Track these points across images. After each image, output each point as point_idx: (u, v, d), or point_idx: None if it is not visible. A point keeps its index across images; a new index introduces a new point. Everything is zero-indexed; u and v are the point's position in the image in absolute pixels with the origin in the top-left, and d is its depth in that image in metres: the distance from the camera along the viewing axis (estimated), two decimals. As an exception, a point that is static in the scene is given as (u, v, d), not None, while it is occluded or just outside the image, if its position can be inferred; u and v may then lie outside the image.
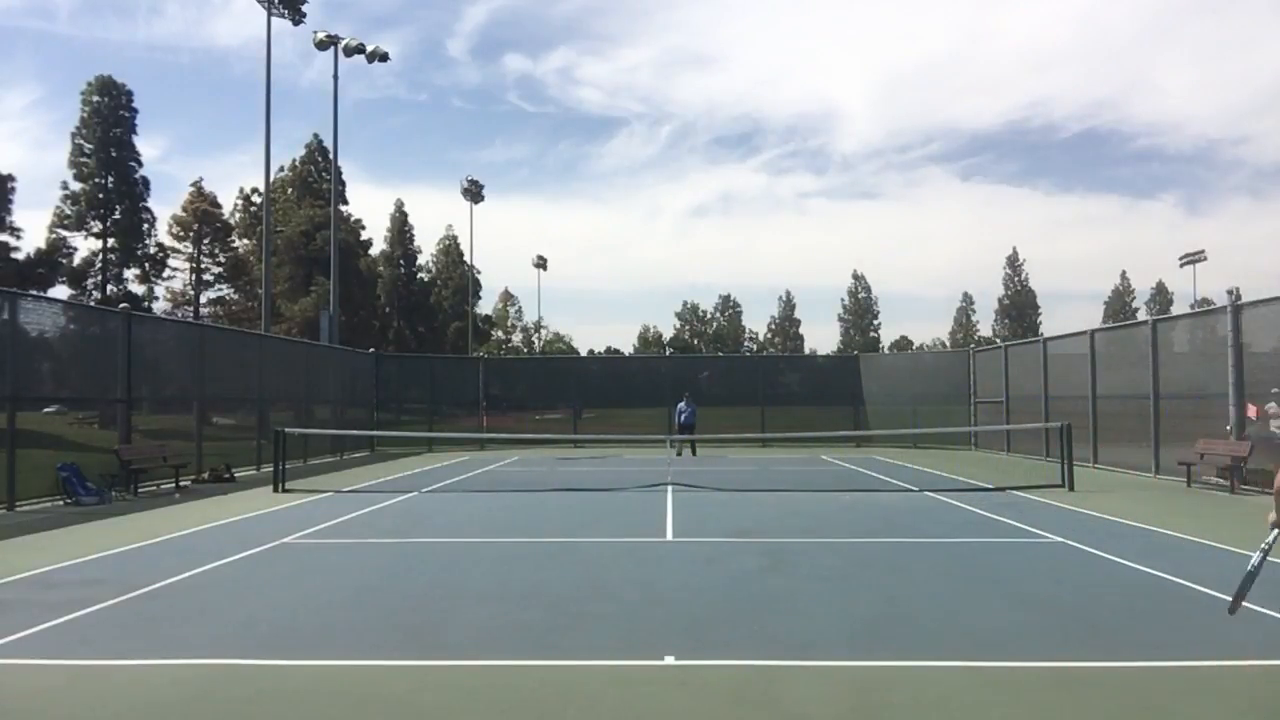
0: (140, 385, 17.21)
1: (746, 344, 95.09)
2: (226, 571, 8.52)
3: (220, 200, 53.26)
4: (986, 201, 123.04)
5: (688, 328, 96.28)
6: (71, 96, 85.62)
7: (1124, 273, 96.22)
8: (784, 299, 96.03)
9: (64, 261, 44.51)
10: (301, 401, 24.95)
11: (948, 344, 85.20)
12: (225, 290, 54.02)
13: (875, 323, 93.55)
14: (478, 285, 69.78)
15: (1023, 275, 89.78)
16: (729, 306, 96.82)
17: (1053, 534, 10.47)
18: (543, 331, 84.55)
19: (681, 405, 25.53)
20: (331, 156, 42.15)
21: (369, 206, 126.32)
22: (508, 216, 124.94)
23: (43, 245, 43.05)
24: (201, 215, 50.93)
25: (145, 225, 47.46)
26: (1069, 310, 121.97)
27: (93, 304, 38.50)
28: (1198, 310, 34.43)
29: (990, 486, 16.17)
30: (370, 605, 7.08)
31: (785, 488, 16.25)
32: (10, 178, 38.47)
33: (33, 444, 15.85)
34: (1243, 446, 14.97)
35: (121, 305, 19.63)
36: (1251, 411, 15.26)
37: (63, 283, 43.96)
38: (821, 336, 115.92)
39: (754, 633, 6.17)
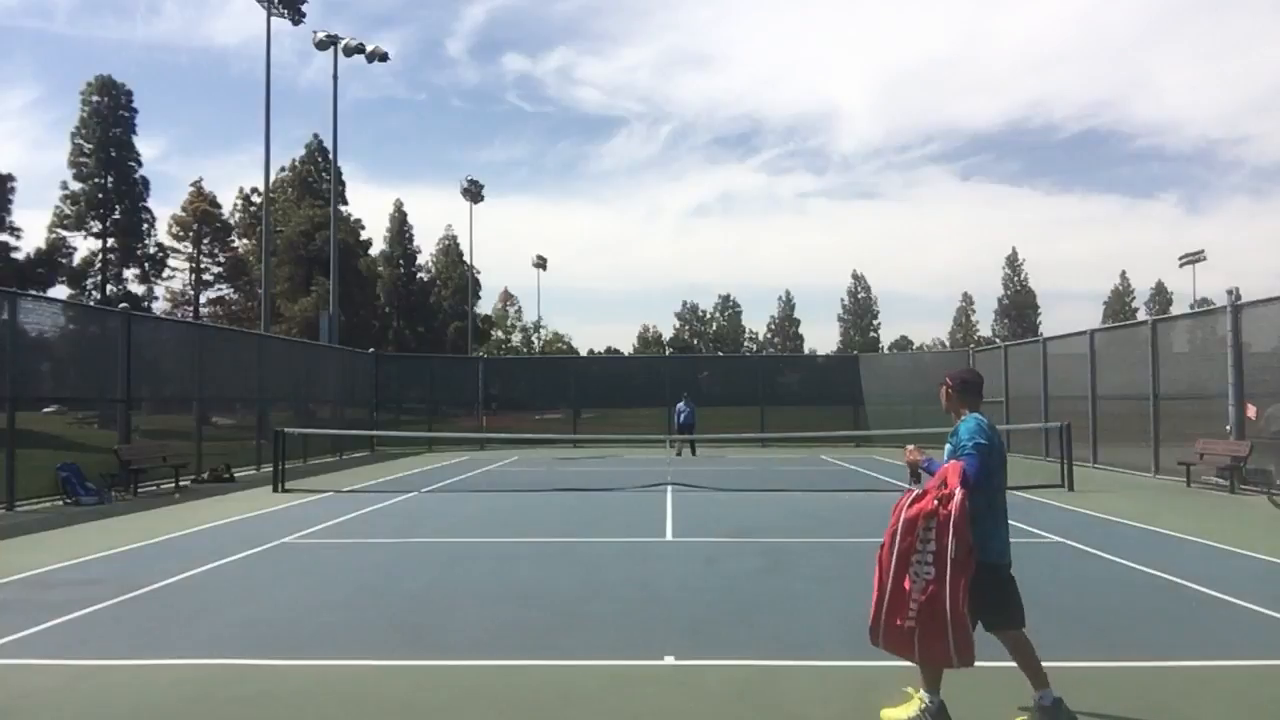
0: (140, 385, 17.20)
1: (746, 344, 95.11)
2: (226, 571, 8.53)
3: (220, 200, 53.39)
4: (986, 201, 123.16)
5: (688, 328, 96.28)
6: (70, 96, 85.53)
7: (1124, 273, 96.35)
8: (784, 299, 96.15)
9: (64, 261, 44.53)
10: (301, 401, 24.94)
11: (947, 344, 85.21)
12: (225, 290, 54.13)
13: (875, 323, 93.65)
14: (477, 285, 69.74)
15: (1022, 275, 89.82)
16: (729, 306, 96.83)
17: (1053, 534, 10.47)
18: (542, 331, 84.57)
19: (681, 405, 25.55)
20: (331, 156, 42.15)
21: (369, 206, 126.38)
22: (507, 216, 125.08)
23: (42, 245, 43.13)
24: (201, 215, 50.99)
25: (145, 225, 47.52)
26: (1069, 310, 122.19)
27: (92, 304, 38.50)
28: (1197, 310, 34.40)
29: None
30: (370, 605, 7.08)
31: (785, 488, 16.25)
32: (10, 177, 38.51)
33: (33, 444, 15.83)
34: (1242, 446, 14.97)
35: (121, 305, 19.64)
36: (1251, 412, 15.26)
37: (62, 283, 44.03)
38: (821, 336, 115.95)
39: (754, 633, 6.18)
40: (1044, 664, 4.70)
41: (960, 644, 4.10)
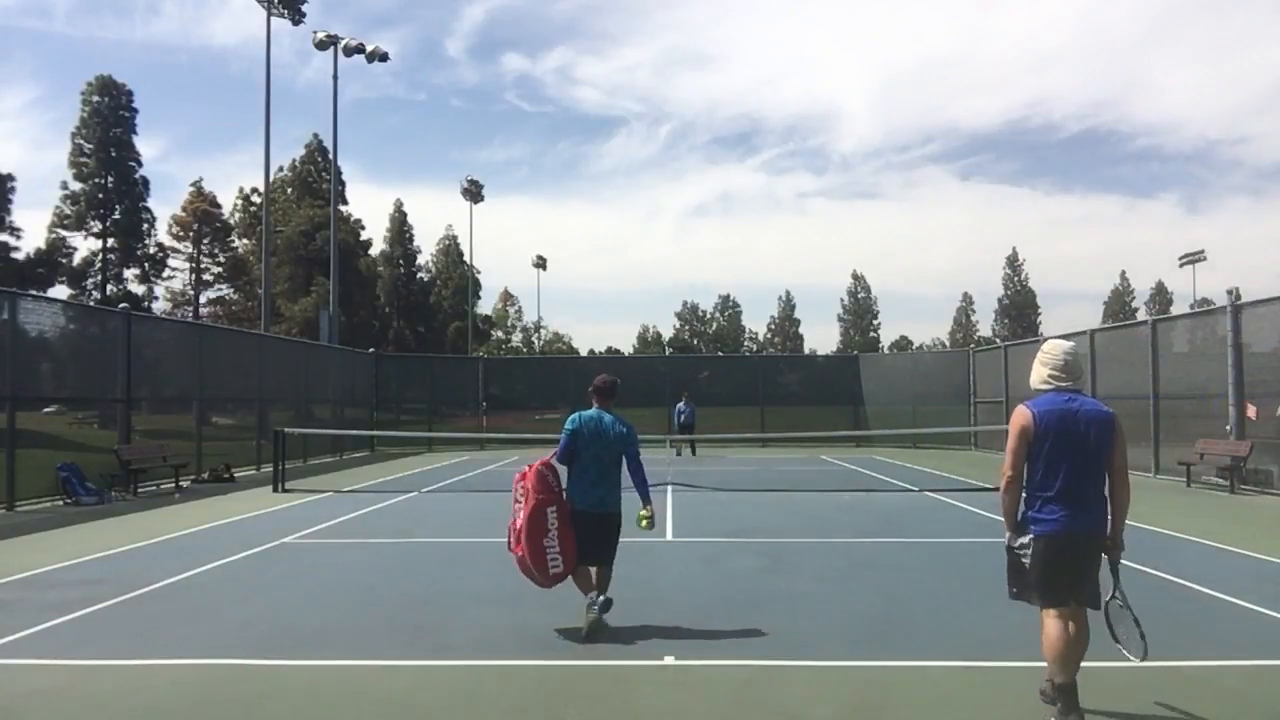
0: (140, 385, 17.20)
1: (746, 344, 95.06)
2: (226, 571, 8.53)
3: (220, 200, 53.34)
4: (986, 201, 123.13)
5: (687, 328, 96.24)
6: (69, 96, 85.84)
7: (1124, 273, 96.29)
8: (784, 299, 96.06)
9: (64, 261, 44.51)
10: (301, 401, 24.94)
11: (947, 344, 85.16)
12: (225, 290, 54.08)
13: (875, 323, 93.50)
14: (478, 285, 69.73)
15: (1022, 275, 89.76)
16: (729, 306, 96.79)
17: (1053, 534, 10.44)
18: (542, 331, 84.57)
19: (680, 405, 25.55)
20: (331, 156, 42.12)
21: (369, 206, 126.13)
22: (507, 216, 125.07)
23: (42, 245, 43.11)
24: (201, 215, 50.95)
25: (145, 225, 47.49)
26: (1068, 310, 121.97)
27: (93, 304, 38.48)
28: (1197, 310, 34.41)
29: (990, 486, 16.15)
30: (370, 605, 7.08)
31: (785, 488, 16.24)
32: (10, 177, 38.52)
33: (33, 444, 15.83)
34: (1242, 446, 14.98)
35: (121, 305, 19.62)
36: (1251, 412, 15.25)
37: (63, 283, 44.01)
38: (821, 336, 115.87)
39: (754, 633, 6.17)
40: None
41: (537, 567, 6.02)
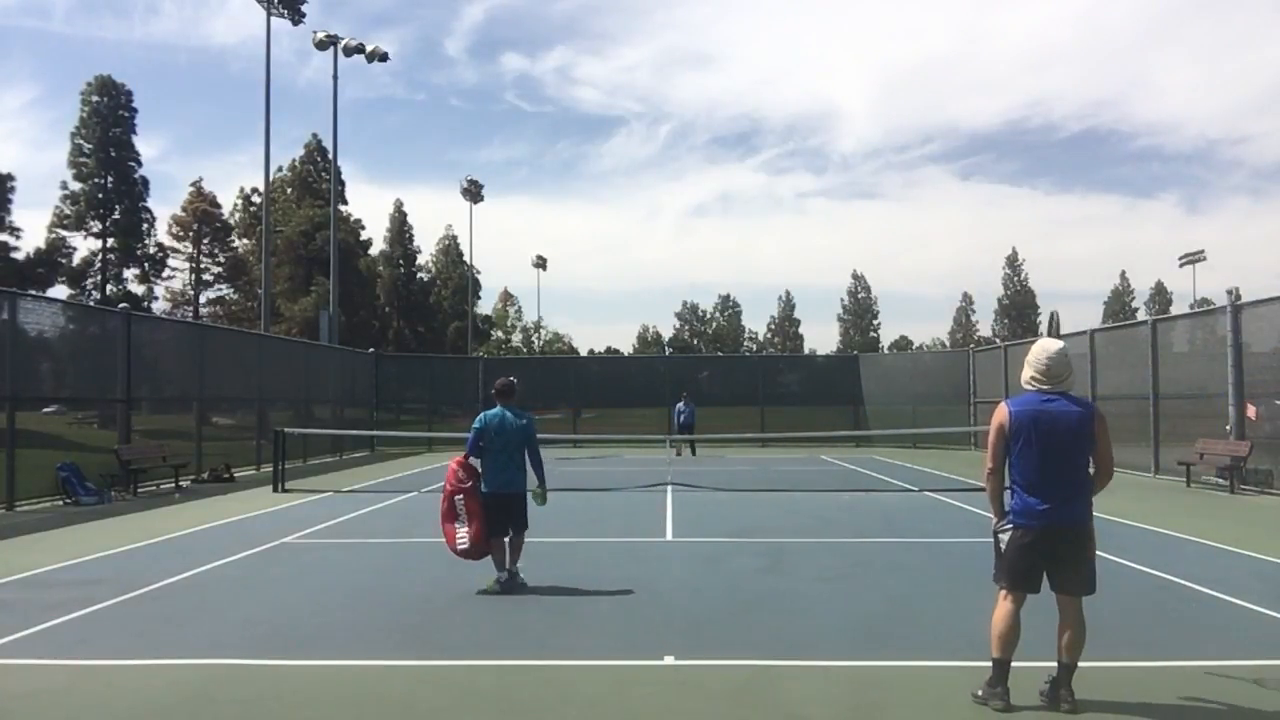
0: (140, 385, 17.20)
1: (746, 344, 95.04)
2: (226, 571, 8.53)
3: (220, 200, 53.32)
4: (986, 201, 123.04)
5: (687, 328, 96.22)
6: (68, 96, 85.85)
7: (1123, 273, 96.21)
8: (784, 299, 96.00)
9: (64, 261, 44.48)
10: (301, 401, 24.93)
11: (947, 344, 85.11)
12: (225, 290, 54.06)
13: (875, 323, 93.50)
14: (477, 285, 69.71)
15: (1022, 275, 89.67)
16: (729, 306, 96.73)
17: (1052, 534, 10.44)
18: (542, 331, 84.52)
19: (680, 405, 25.54)
20: (331, 156, 42.11)
21: (369, 206, 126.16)
22: (507, 216, 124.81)
23: (42, 245, 43.08)
24: (201, 215, 50.93)
25: (145, 225, 47.46)
26: (1068, 310, 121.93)
27: (92, 304, 38.45)
28: (1197, 310, 34.42)
29: (990, 486, 16.16)
30: (370, 605, 7.08)
31: (785, 488, 16.24)
32: (10, 177, 38.47)
33: (33, 444, 15.81)
34: (1242, 446, 14.98)
35: (121, 305, 19.61)
36: (1251, 412, 15.25)
37: (62, 283, 43.98)
38: (821, 336, 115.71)
39: (754, 633, 6.18)
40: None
41: (450, 543, 7.45)
